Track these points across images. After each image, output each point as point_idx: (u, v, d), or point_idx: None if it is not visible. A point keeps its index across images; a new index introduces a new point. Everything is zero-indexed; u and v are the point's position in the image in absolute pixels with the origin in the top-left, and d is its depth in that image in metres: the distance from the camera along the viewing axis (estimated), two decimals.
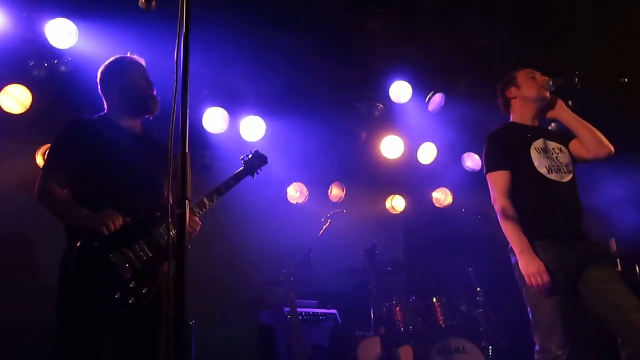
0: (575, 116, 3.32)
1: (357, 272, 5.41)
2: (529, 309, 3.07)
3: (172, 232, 2.28)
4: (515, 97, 3.40)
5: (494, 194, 3.21)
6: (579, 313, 3.05)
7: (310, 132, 5.77)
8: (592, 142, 3.22)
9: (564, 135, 3.35)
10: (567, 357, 2.88)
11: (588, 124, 3.27)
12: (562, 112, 3.34)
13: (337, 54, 5.12)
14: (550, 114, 3.39)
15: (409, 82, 5.65)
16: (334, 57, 5.15)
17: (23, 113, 4.58)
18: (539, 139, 3.27)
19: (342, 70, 5.38)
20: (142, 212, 2.80)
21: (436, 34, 4.95)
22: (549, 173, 3.16)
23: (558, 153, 3.25)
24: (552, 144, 3.27)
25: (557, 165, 3.19)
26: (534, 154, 3.20)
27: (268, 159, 3.51)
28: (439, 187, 6.93)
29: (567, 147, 3.30)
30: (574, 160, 3.28)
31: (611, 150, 3.22)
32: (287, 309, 4.92)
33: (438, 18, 4.75)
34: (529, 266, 2.96)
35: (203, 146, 5.58)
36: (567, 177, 3.19)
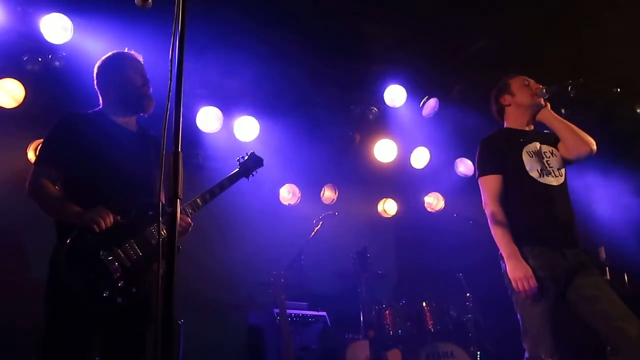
0: (557, 116, 3.32)
1: (348, 275, 5.41)
2: (518, 316, 3.06)
3: (163, 232, 2.27)
4: (509, 105, 3.40)
5: (485, 198, 3.20)
6: (568, 320, 3.05)
7: (304, 134, 5.78)
8: (572, 142, 3.21)
9: (556, 138, 3.33)
10: None
11: (569, 124, 3.26)
12: (544, 113, 3.34)
13: (332, 57, 5.11)
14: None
15: (404, 86, 5.66)
16: (329, 59, 5.15)
17: (16, 107, 4.56)
18: (531, 142, 3.26)
19: (337, 73, 5.38)
20: (134, 211, 2.77)
21: (432, 38, 4.96)
22: (540, 177, 3.15)
23: (550, 156, 3.24)
24: (545, 147, 3.27)
25: (549, 169, 3.19)
26: (525, 158, 3.19)
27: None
28: (431, 191, 6.95)
29: (558, 149, 3.30)
30: (564, 162, 3.27)
31: (592, 149, 3.19)
32: (276, 310, 4.91)
33: (434, 23, 4.76)
34: (515, 270, 2.96)
35: (196, 145, 5.57)
36: (559, 181, 3.18)
